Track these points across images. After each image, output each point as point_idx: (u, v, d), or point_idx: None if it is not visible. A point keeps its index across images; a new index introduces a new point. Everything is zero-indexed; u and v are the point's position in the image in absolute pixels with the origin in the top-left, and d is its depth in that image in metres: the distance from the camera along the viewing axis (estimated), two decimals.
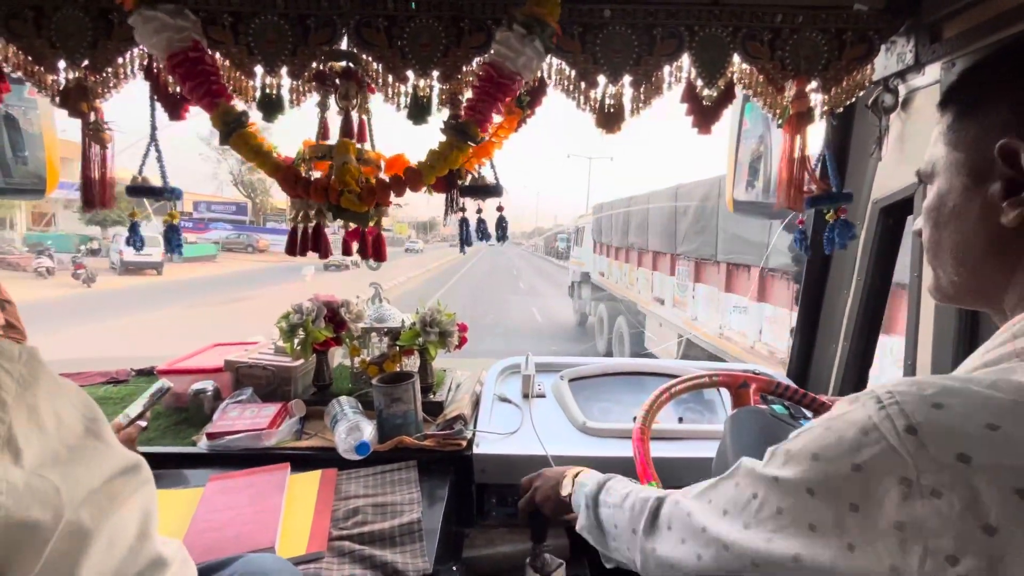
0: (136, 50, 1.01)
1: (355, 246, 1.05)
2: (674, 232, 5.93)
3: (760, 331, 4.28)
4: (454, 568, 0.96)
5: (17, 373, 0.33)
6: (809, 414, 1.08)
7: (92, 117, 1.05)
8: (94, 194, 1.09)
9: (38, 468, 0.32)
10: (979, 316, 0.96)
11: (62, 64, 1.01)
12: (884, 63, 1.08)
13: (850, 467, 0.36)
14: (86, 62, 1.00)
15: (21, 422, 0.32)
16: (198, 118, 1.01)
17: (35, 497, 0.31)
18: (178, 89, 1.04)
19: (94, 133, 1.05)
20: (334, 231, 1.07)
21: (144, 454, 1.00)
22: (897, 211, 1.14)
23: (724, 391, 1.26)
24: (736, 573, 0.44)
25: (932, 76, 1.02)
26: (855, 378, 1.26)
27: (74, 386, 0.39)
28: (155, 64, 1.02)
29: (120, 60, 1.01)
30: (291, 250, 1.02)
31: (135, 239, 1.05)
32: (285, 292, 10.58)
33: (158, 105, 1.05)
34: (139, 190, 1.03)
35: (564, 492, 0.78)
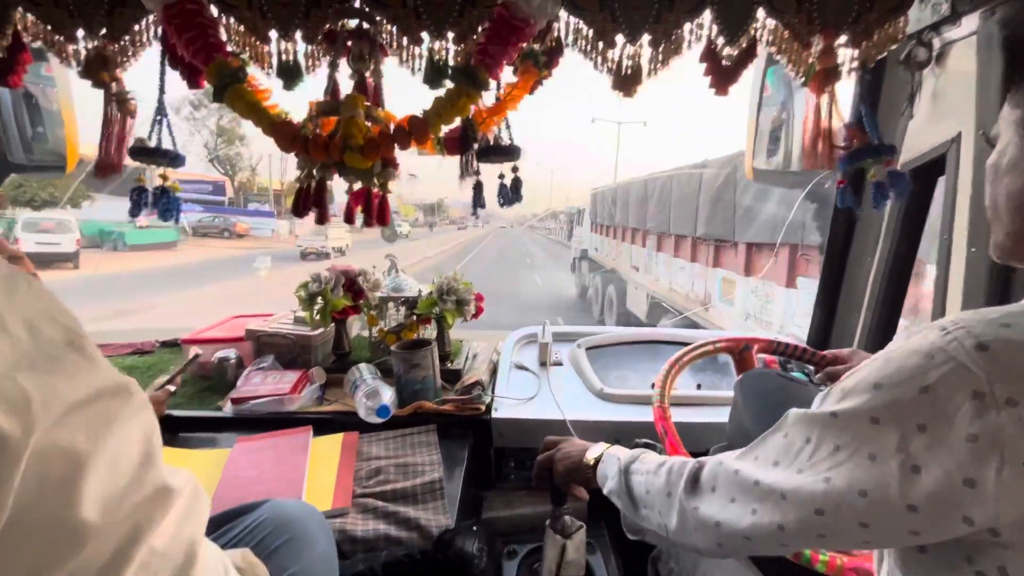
0: (152, 16, 1.01)
1: (358, 211, 1.03)
2: (644, 213, 7.46)
3: (692, 284, 5.89)
4: (474, 528, 0.97)
5: None
6: (814, 371, 1.07)
7: (114, 87, 1.05)
8: (104, 159, 1.10)
9: (10, 370, 0.28)
10: (1012, 279, 0.93)
11: (80, 33, 1.02)
12: (918, 15, 1.03)
13: (917, 390, 0.36)
14: (104, 31, 1.00)
15: None
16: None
17: (2, 404, 0.27)
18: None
19: (119, 103, 1.05)
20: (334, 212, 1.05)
21: (173, 418, 1.05)
22: (927, 172, 1.10)
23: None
24: (799, 529, 0.41)
25: (968, 27, 0.97)
26: (878, 347, 1.24)
27: (53, 297, 0.35)
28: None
29: (136, 27, 1.01)
30: (297, 211, 1.00)
31: (139, 205, 1.04)
32: (211, 296, 8.95)
33: (171, 72, 1.05)
34: (139, 151, 1.03)
35: (590, 457, 0.76)
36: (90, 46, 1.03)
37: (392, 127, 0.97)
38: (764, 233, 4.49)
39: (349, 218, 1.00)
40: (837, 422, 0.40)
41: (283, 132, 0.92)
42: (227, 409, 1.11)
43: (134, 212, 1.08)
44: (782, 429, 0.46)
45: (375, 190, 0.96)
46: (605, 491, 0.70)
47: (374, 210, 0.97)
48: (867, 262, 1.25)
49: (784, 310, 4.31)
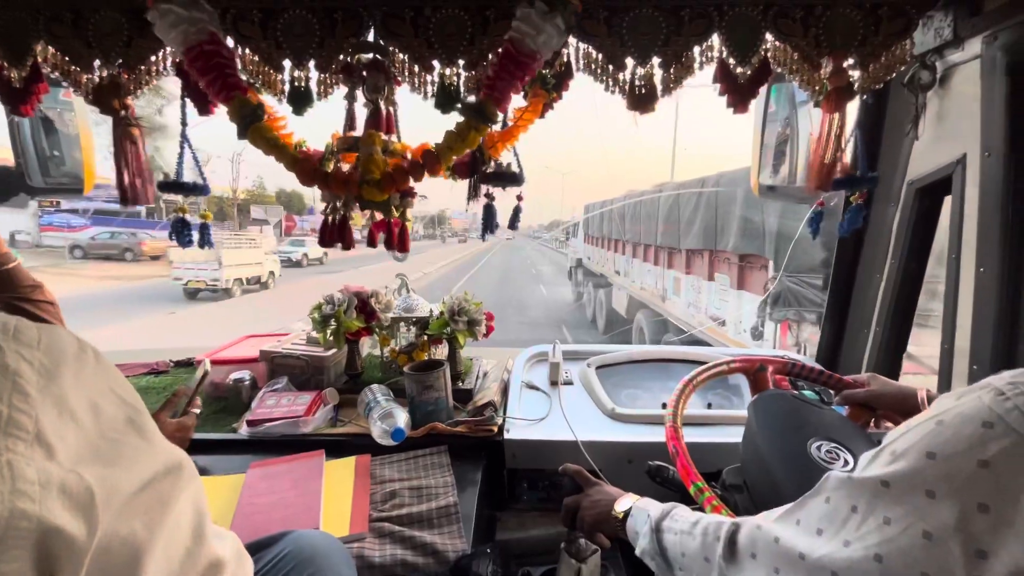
0: (169, 48, 1.03)
1: (380, 237, 1.07)
2: (624, 226, 8.76)
3: (654, 282, 7.19)
4: (488, 551, 0.98)
5: (38, 362, 0.29)
6: (834, 395, 1.07)
7: (123, 114, 1.08)
8: (128, 190, 1.13)
9: (75, 464, 0.28)
10: (1021, 298, 0.94)
11: (97, 63, 1.04)
12: (921, 39, 1.04)
13: (976, 463, 0.33)
14: (120, 60, 1.03)
15: (50, 415, 0.28)
16: None
17: (68, 501, 0.27)
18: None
19: (124, 128, 1.08)
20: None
21: (192, 441, 1.06)
22: (934, 192, 1.11)
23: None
24: None
25: (972, 51, 0.98)
26: (888, 364, 1.24)
27: (115, 370, 0.34)
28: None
29: (153, 58, 1.03)
30: (323, 242, 1.05)
31: (183, 236, 1.08)
32: None
33: (189, 102, 1.08)
34: (168, 186, 1.06)
35: (619, 510, 0.74)
36: (104, 74, 1.05)
37: (407, 160, 1.00)
38: (696, 241, 5.74)
39: (371, 243, 1.04)
40: (888, 493, 0.37)
41: (304, 168, 0.95)
42: (243, 431, 1.12)
43: (184, 242, 1.11)
44: (823, 492, 0.43)
45: (394, 219, 0.98)
46: (637, 552, 0.67)
47: (395, 238, 1.01)
48: (876, 280, 1.26)
49: (707, 298, 5.64)
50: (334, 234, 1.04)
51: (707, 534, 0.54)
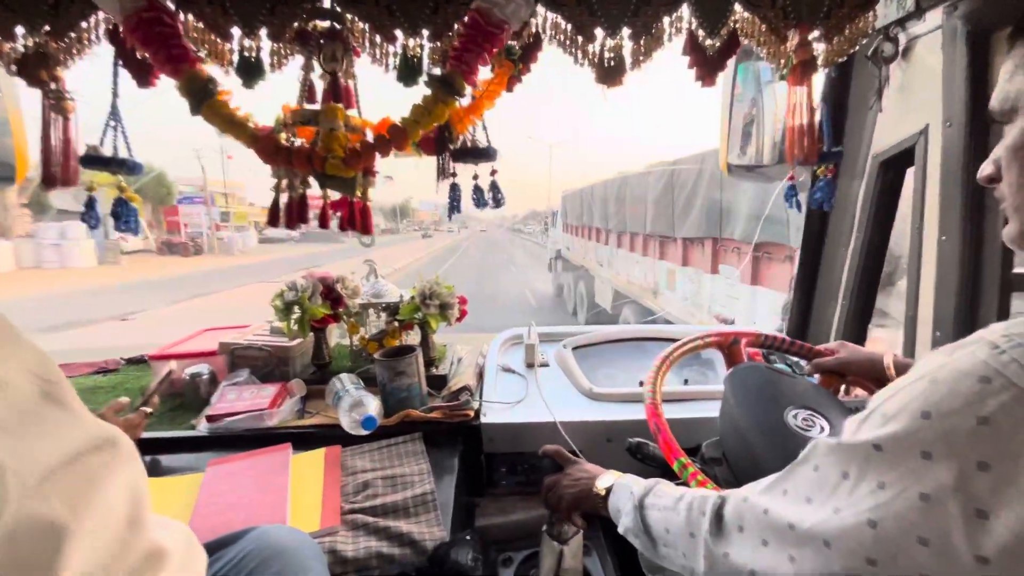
0: (102, 13, 0.94)
1: (333, 217, 1.01)
2: (606, 213, 8.00)
3: (644, 275, 6.51)
4: (468, 538, 0.95)
5: None
6: (804, 365, 1.09)
7: (53, 86, 0.98)
8: (53, 170, 1.03)
9: None
10: (982, 266, 0.97)
11: (20, 30, 0.94)
12: (884, 11, 1.05)
13: (975, 420, 0.31)
14: (47, 27, 0.93)
15: None
16: None
17: None
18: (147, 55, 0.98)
19: (55, 103, 0.98)
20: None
21: (144, 440, 0.98)
22: (897, 164, 1.14)
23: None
24: None
25: (933, 22, 1.00)
26: (856, 333, 1.27)
27: (30, 345, 0.31)
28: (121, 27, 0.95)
29: (84, 24, 0.94)
30: (273, 221, 0.98)
31: (91, 215, 0.99)
32: None
33: (124, 72, 0.99)
34: (93, 159, 0.97)
35: (600, 487, 0.72)
36: (29, 44, 0.96)
37: (372, 136, 0.95)
38: (695, 228, 5.00)
39: (323, 223, 0.98)
40: (881, 456, 0.35)
41: (265, 146, 0.90)
42: (202, 427, 1.06)
43: (92, 223, 1.02)
44: (811, 460, 0.41)
45: (356, 199, 0.93)
46: (620, 529, 0.65)
47: (357, 219, 0.95)
48: (841, 253, 1.28)
49: (711, 293, 4.87)
50: (289, 214, 0.98)
51: (692, 509, 0.53)
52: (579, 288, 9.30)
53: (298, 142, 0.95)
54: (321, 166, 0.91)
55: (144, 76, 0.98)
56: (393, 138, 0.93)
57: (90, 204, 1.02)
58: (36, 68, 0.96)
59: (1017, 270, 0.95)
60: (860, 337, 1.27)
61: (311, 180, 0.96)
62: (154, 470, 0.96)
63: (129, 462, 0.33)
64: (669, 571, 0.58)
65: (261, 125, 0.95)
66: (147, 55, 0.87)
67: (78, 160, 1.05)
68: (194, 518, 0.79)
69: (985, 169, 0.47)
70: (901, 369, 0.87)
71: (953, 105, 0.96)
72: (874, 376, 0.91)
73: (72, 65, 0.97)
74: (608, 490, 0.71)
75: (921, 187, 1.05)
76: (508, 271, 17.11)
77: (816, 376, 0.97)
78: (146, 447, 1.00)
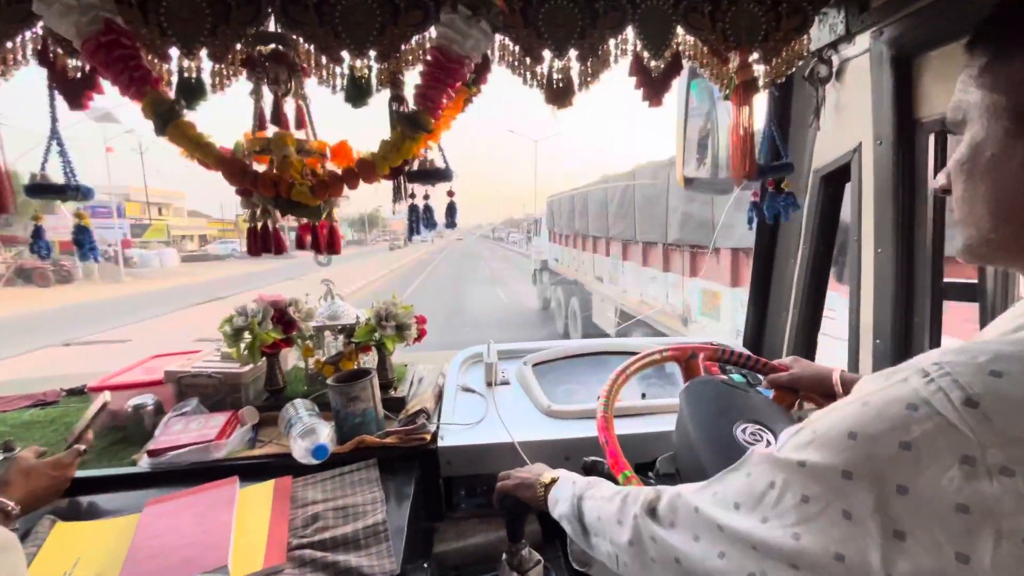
0: (28, 33, 0.90)
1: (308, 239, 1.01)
2: (606, 218, 6.84)
3: (666, 295, 5.35)
4: (425, 565, 0.93)
5: None
6: (762, 378, 1.11)
7: None
8: None
9: None
10: (915, 276, 1.01)
11: None
12: (818, 34, 1.11)
13: (897, 445, 0.32)
14: None
15: None
16: None
17: None
18: (78, 75, 0.94)
19: None
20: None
21: (78, 479, 0.93)
22: (836, 178, 1.18)
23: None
24: None
25: (862, 46, 1.05)
26: (804, 343, 1.31)
27: None
28: (50, 47, 0.92)
29: (9, 44, 0.90)
30: (252, 250, 0.98)
31: (39, 245, 0.95)
32: None
33: (59, 96, 0.95)
34: (41, 188, 0.93)
35: (545, 478, 0.75)
36: None
37: (330, 158, 0.97)
38: (746, 238, 3.93)
39: (300, 245, 1.00)
40: (805, 472, 0.36)
41: (232, 168, 0.89)
42: (143, 463, 1.00)
43: (43, 253, 0.98)
44: (744, 467, 0.43)
45: (321, 221, 0.93)
46: (555, 514, 0.68)
47: (323, 241, 0.95)
48: (791, 264, 1.32)
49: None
50: (264, 242, 0.98)
51: (626, 501, 0.54)
52: (571, 304, 8.23)
53: (260, 168, 0.94)
54: (287, 192, 0.90)
55: (76, 98, 0.95)
56: (361, 172, 0.94)
57: (37, 233, 0.98)
58: None
59: (947, 279, 1.00)
60: (810, 346, 1.31)
61: (275, 210, 0.95)
62: (89, 512, 0.91)
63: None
64: (597, 562, 0.60)
65: (223, 148, 0.93)
66: (109, 79, 0.85)
67: (11, 187, 1.00)
68: (127, 564, 0.75)
69: (939, 180, 0.47)
70: (847, 385, 0.89)
71: (882, 124, 1.01)
72: (824, 392, 0.93)
73: None
74: (552, 481, 0.73)
75: (857, 201, 1.09)
76: (490, 290, 14.46)
77: (771, 391, 0.99)
78: (80, 487, 0.94)
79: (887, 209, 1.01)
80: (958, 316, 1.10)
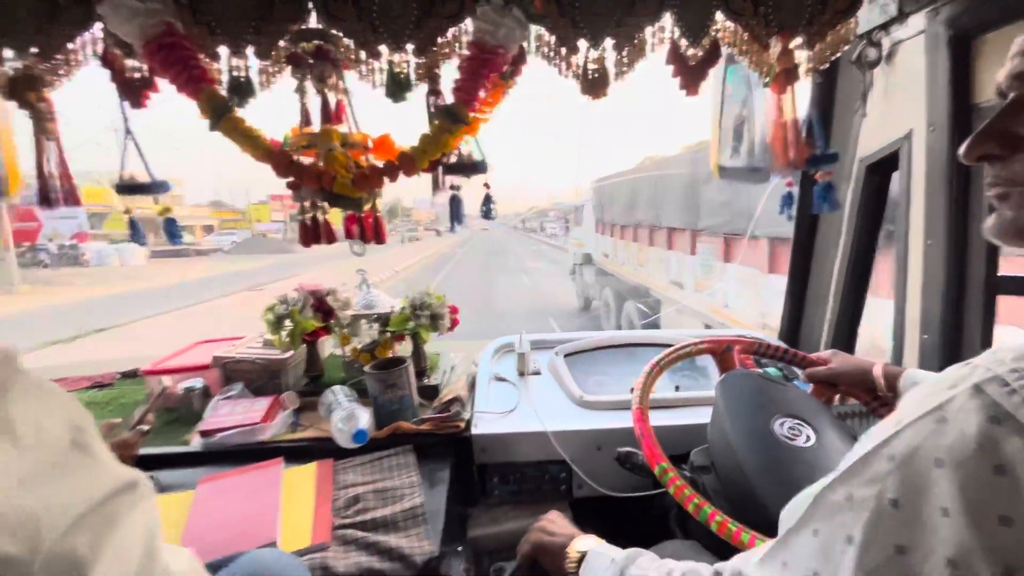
0: (88, 35, 0.95)
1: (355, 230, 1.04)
2: (697, 204, 4.99)
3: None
4: (459, 548, 0.96)
5: None
6: (799, 372, 1.09)
7: (41, 108, 1.00)
8: (49, 191, 1.05)
9: (12, 491, 0.28)
10: (967, 269, 0.97)
11: (8, 53, 0.95)
12: (867, 16, 1.06)
13: (991, 470, 0.28)
14: (34, 50, 0.94)
15: None
16: None
17: (8, 528, 0.27)
18: (135, 75, 0.99)
19: (40, 124, 1.00)
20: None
21: (139, 456, 0.99)
22: (883, 167, 1.14)
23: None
24: None
25: (916, 27, 1.00)
26: (845, 337, 1.27)
27: (60, 391, 0.34)
28: (111, 49, 0.97)
29: (71, 46, 0.95)
30: (305, 241, 1.03)
31: (136, 235, 1.06)
32: None
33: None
34: (129, 188, 1.00)
35: (574, 550, 0.66)
36: (17, 66, 0.97)
37: (372, 150, 1.00)
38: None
39: (349, 234, 1.03)
40: (897, 514, 0.30)
41: (280, 161, 0.93)
42: (195, 443, 1.06)
43: (141, 241, 1.07)
44: (810, 523, 0.36)
45: (366, 212, 0.96)
46: None
47: (369, 230, 0.98)
48: (831, 256, 1.29)
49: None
50: (316, 234, 1.02)
51: None
52: (626, 310, 6.86)
53: (306, 162, 0.98)
54: (330, 185, 0.94)
55: (136, 97, 0.99)
56: (402, 165, 0.97)
57: (134, 224, 1.08)
58: (24, 90, 0.97)
59: (1001, 273, 0.95)
60: (850, 340, 1.27)
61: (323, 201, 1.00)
62: None
63: (145, 499, 0.35)
64: None
65: (272, 140, 0.98)
66: (168, 78, 0.90)
67: (73, 182, 1.07)
68: (185, 537, 0.80)
69: (984, 147, 0.41)
70: (891, 379, 0.86)
71: (936, 109, 0.96)
72: (865, 386, 0.91)
73: (59, 86, 0.98)
74: (582, 555, 0.64)
75: (907, 190, 1.05)
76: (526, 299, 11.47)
77: (809, 385, 0.98)
78: (141, 463, 1.00)
79: (939, 199, 0.97)
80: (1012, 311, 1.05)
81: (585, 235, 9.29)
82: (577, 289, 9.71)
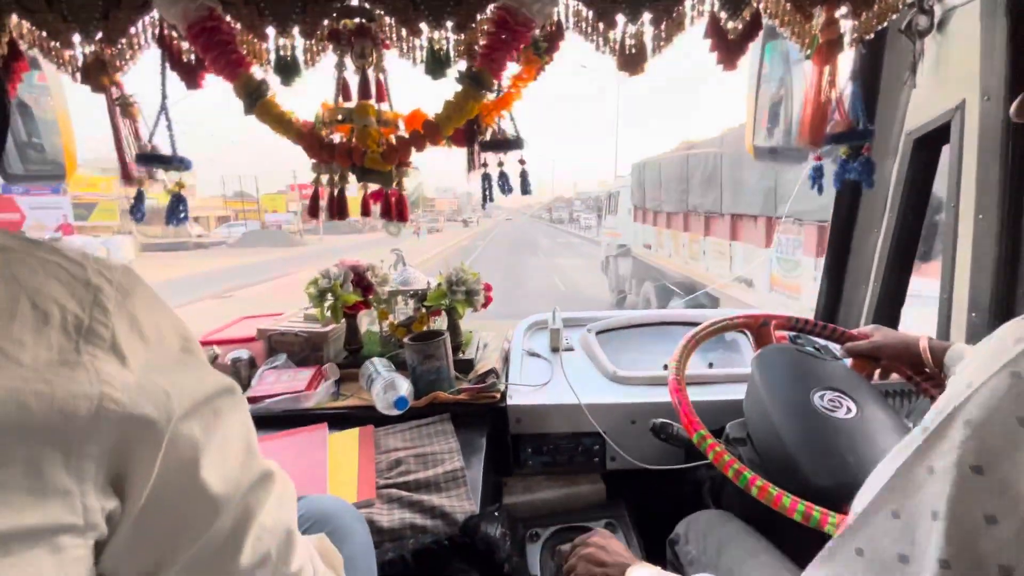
0: (147, 18, 1.00)
1: (374, 207, 1.07)
2: (772, 186, 4.23)
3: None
4: (495, 513, 0.99)
5: (116, 281, 0.33)
6: (836, 348, 1.08)
7: (116, 92, 1.05)
8: (132, 171, 1.11)
9: (145, 373, 0.32)
10: (1020, 245, 0.94)
11: (76, 38, 1.01)
12: None
13: None
14: (100, 35, 1.00)
15: (123, 329, 0.32)
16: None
17: (147, 397, 0.31)
18: (192, 57, 1.03)
19: (122, 108, 1.06)
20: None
21: None
22: (932, 141, 1.10)
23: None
24: None
25: None
26: (887, 318, 1.24)
27: (167, 305, 0.38)
28: (167, 31, 1.01)
29: (132, 30, 1.00)
30: (313, 212, 1.04)
31: (138, 209, 1.07)
32: None
33: (171, 74, 1.05)
34: (149, 158, 1.04)
35: None
36: (87, 51, 1.03)
37: (408, 132, 1.00)
38: None
39: (366, 212, 1.04)
40: (981, 481, 0.28)
41: (311, 142, 0.96)
42: None
43: (138, 216, 1.10)
44: (887, 505, 0.33)
45: (392, 190, 0.98)
46: None
47: (392, 208, 1.00)
48: (874, 234, 1.25)
49: None
50: (332, 206, 1.04)
51: None
52: (672, 307, 5.82)
53: (336, 138, 1.00)
54: (361, 160, 0.96)
55: (192, 78, 1.04)
56: (427, 133, 0.97)
57: (178, 199, 1.09)
58: (98, 75, 1.03)
59: None
60: (893, 321, 1.24)
61: (350, 174, 1.01)
62: None
63: (241, 404, 0.40)
64: None
65: (303, 121, 1.00)
66: (206, 60, 0.94)
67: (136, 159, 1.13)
68: None
69: None
70: (938, 353, 0.84)
71: (992, 78, 0.93)
72: (909, 361, 0.89)
73: (127, 70, 1.04)
74: None
75: (957, 164, 1.02)
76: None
77: (849, 360, 0.96)
78: None
79: (992, 172, 0.94)
80: None
81: (620, 224, 8.63)
82: (610, 282, 9.03)
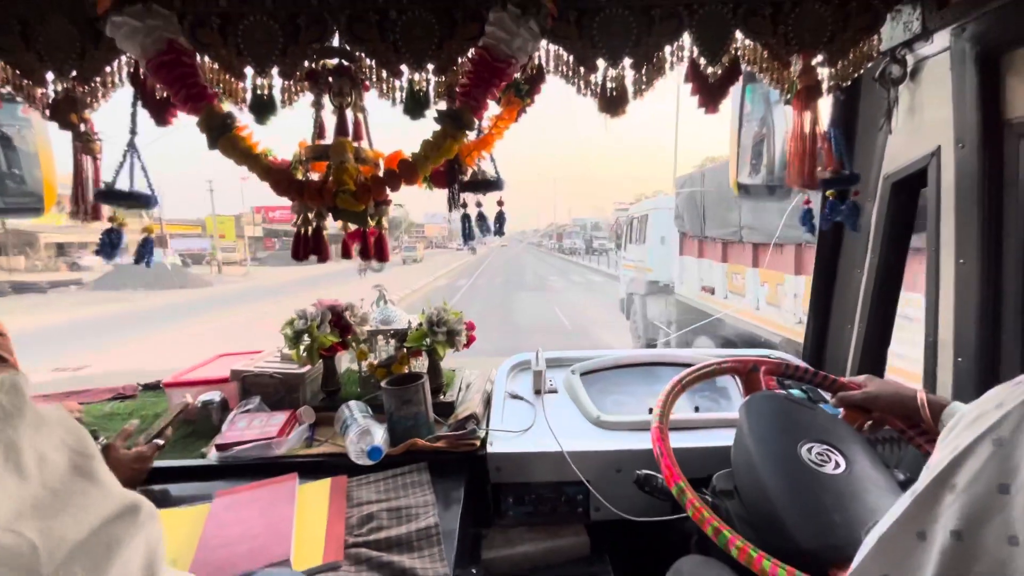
0: (124, 57, 0.99)
1: (355, 248, 1.04)
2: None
3: None
4: (473, 571, 0.94)
5: None
6: (828, 396, 1.05)
7: (83, 128, 1.03)
8: (81, 205, 1.08)
9: (12, 522, 0.28)
10: (1003, 289, 0.93)
11: (50, 76, 1.00)
12: (890, 33, 1.05)
13: None
14: (74, 73, 0.98)
15: None
16: None
17: (5, 558, 0.27)
18: (165, 94, 1.02)
19: (84, 144, 1.03)
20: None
21: (155, 468, 1.00)
22: (910, 185, 1.11)
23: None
24: None
25: (940, 44, 0.99)
26: (872, 359, 1.23)
27: (62, 416, 0.34)
28: (141, 70, 1.00)
29: (108, 68, 0.99)
30: (296, 254, 1.01)
31: (107, 248, 1.02)
32: None
33: (142, 111, 1.03)
34: (109, 195, 1.01)
35: None
36: (60, 88, 1.01)
37: (383, 170, 0.98)
38: None
39: (346, 254, 1.01)
40: (959, 547, 0.30)
41: (279, 179, 0.93)
42: (212, 456, 1.07)
43: (108, 255, 1.06)
44: (875, 563, 0.34)
45: (370, 228, 0.96)
46: None
47: (371, 248, 0.97)
48: (856, 275, 1.25)
49: None
50: (308, 246, 1.01)
51: None
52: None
53: (315, 176, 0.98)
54: (332, 200, 0.94)
55: (162, 115, 1.03)
56: (403, 172, 0.95)
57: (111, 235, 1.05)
58: (66, 112, 1.01)
59: None
60: (878, 363, 1.23)
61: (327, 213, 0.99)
62: (163, 500, 0.97)
63: (148, 523, 0.35)
64: None
65: (280, 159, 0.98)
66: (171, 95, 0.91)
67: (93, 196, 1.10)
68: (199, 551, 0.79)
69: None
70: (935, 408, 0.81)
71: (965, 126, 0.94)
72: (905, 414, 0.86)
73: (97, 107, 1.02)
74: None
75: (936, 208, 1.02)
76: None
77: (840, 410, 0.93)
78: (156, 476, 1.01)
79: (971, 217, 0.94)
80: None
81: (652, 255, 6.87)
82: (635, 327, 7.06)
